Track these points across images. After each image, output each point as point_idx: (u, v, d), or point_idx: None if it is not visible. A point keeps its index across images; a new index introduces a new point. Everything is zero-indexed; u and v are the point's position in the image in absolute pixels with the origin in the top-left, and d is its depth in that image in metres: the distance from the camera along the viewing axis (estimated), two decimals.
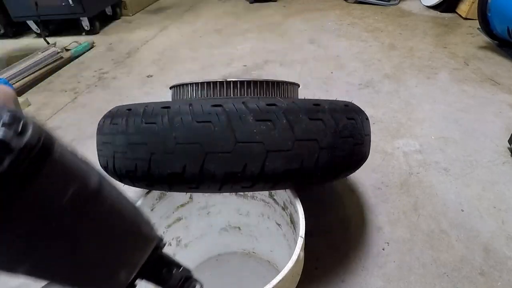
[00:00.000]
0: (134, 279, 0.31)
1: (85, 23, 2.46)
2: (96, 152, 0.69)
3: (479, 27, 1.81)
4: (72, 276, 0.25)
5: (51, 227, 0.21)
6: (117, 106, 0.68)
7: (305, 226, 0.59)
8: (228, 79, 0.72)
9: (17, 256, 0.20)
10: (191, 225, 0.79)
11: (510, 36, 1.59)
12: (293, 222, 0.69)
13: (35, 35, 2.63)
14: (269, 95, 0.74)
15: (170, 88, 0.82)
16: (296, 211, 0.62)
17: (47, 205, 0.20)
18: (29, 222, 0.19)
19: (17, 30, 2.67)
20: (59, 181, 0.21)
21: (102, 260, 0.26)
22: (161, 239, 0.35)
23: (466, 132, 1.20)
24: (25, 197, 0.18)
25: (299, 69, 1.74)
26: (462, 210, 0.92)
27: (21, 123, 0.18)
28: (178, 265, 0.37)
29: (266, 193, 0.75)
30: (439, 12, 2.36)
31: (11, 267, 0.21)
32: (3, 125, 0.18)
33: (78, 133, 1.38)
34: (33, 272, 0.22)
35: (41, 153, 0.19)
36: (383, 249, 0.84)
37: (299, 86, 0.86)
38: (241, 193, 0.78)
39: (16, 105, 0.39)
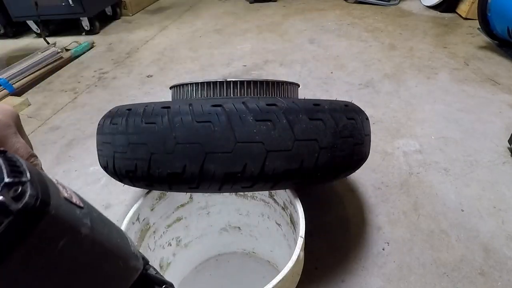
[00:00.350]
0: None
1: (85, 23, 2.46)
2: (96, 152, 0.69)
3: (479, 27, 1.81)
4: None
5: (40, 276, 0.22)
6: (117, 106, 0.68)
7: (305, 226, 0.59)
8: (228, 79, 0.72)
9: None
10: (191, 225, 0.79)
11: (510, 36, 1.59)
12: (293, 222, 0.69)
13: (35, 35, 2.63)
14: (269, 95, 0.74)
15: (170, 88, 0.82)
16: (296, 211, 0.62)
17: (37, 258, 0.21)
18: (18, 275, 0.20)
19: (17, 30, 2.67)
20: (52, 235, 0.21)
21: None
22: (146, 263, 0.35)
23: (466, 132, 1.20)
24: (16, 253, 0.19)
25: (299, 69, 1.74)
26: (462, 210, 0.92)
27: (20, 185, 0.19)
28: (161, 282, 0.36)
29: (266, 193, 0.75)
30: (439, 12, 2.36)
31: None
32: (3, 186, 0.19)
33: (78, 133, 1.38)
34: None
35: (37, 213, 0.20)
36: (383, 249, 0.84)
37: (299, 86, 0.86)
38: (241, 193, 0.78)
39: (18, 126, 0.39)
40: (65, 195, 0.23)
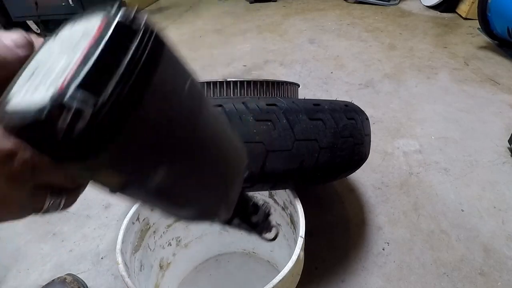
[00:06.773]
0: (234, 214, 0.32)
1: None
2: None
3: (479, 27, 1.81)
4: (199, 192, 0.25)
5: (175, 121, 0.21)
6: None
7: (305, 226, 0.59)
8: (228, 79, 0.72)
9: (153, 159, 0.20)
10: (191, 225, 0.79)
11: (510, 36, 1.59)
12: (293, 222, 0.69)
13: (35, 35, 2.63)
14: (269, 95, 0.74)
15: None
16: (296, 211, 0.62)
17: (171, 95, 0.21)
18: (155, 115, 0.19)
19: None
20: (176, 71, 0.21)
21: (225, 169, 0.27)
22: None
23: (466, 132, 1.20)
24: (152, 86, 0.18)
25: (299, 69, 1.74)
26: (462, 210, 0.92)
27: (133, 9, 0.19)
28: (256, 201, 0.35)
29: (266, 193, 0.75)
30: (439, 12, 2.36)
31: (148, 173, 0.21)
32: (118, 7, 0.18)
33: None
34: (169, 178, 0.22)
35: (157, 40, 0.19)
36: (383, 249, 0.84)
37: (299, 86, 0.86)
38: None
39: None
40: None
